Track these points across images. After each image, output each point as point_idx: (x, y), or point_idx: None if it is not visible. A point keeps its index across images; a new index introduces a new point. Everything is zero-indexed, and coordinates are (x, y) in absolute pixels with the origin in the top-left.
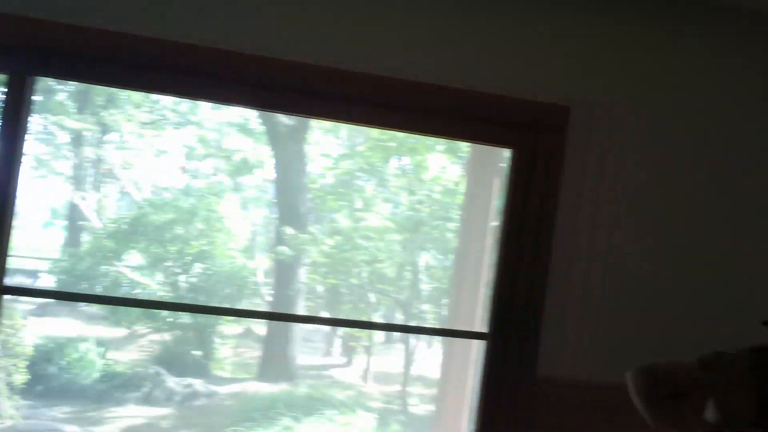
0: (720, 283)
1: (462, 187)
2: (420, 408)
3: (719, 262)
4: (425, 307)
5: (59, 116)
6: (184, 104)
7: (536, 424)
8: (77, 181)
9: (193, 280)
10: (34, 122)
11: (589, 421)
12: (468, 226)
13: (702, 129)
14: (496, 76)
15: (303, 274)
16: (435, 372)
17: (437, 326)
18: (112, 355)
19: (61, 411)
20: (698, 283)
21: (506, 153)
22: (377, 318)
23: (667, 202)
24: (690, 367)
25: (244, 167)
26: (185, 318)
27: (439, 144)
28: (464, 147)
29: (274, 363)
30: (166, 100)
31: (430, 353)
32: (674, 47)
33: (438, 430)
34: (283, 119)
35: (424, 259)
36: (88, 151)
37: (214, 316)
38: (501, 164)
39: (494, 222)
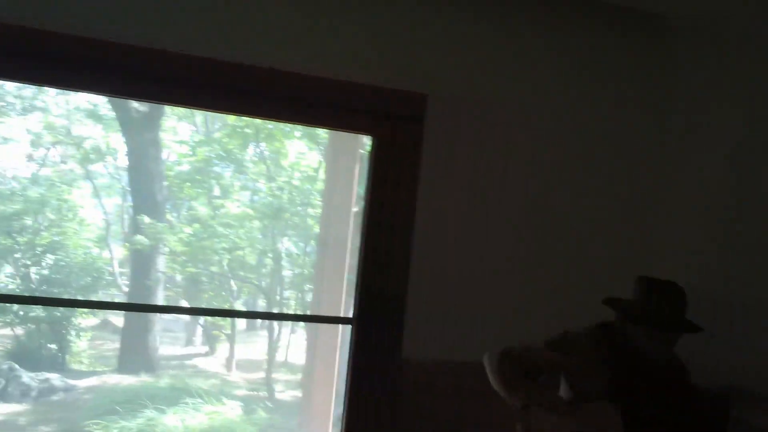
0: (567, 269)
1: (322, 173)
2: (286, 394)
3: (569, 252)
4: (288, 293)
5: None
6: (28, 89)
7: (403, 405)
8: None
9: (45, 272)
10: None
11: (453, 400)
12: (329, 212)
13: (554, 119)
14: (356, 65)
15: (161, 263)
16: (300, 358)
17: (301, 312)
18: None
19: None
20: (550, 269)
21: (366, 139)
22: (239, 306)
23: (523, 192)
24: (542, 347)
25: (95, 155)
26: (38, 311)
27: (297, 130)
28: (323, 133)
29: (134, 354)
30: (9, 86)
31: (294, 339)
32: (528, 44)
33: (306, 416)
34: (136, 105)
35: (286, 245)
36: None
37: (69, 308)
38: (361, 150)
39: (356, 208)
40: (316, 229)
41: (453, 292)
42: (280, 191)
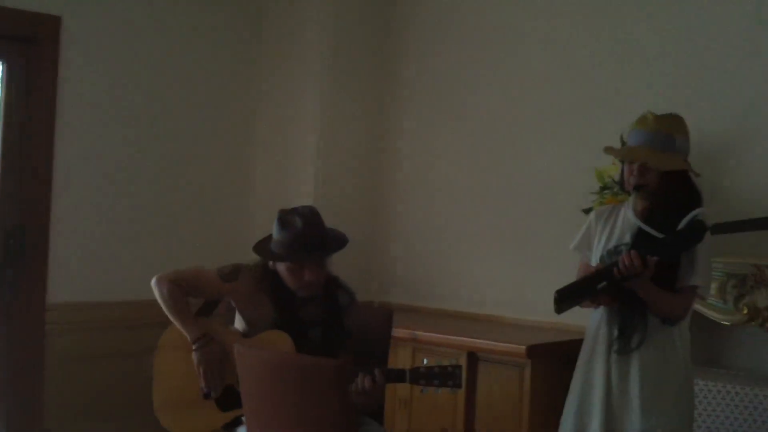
0: (189, 208)
1: None
2: None
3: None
4: None
5: None
6: None
7: (50, 348)
8: None
9: None
10: None
11: (104, 338)
12: None
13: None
14: None
15: None
16: None
17: None
18: None
19: None
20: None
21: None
22: None
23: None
24: (212, 278)
25: None
26: None
27: None
28: None
29: None
30: None
31: None
32: None
33: None
34: None
35: None
36: None
37: None
38: None
39: None
40: None
41: (100, 229)
42: None
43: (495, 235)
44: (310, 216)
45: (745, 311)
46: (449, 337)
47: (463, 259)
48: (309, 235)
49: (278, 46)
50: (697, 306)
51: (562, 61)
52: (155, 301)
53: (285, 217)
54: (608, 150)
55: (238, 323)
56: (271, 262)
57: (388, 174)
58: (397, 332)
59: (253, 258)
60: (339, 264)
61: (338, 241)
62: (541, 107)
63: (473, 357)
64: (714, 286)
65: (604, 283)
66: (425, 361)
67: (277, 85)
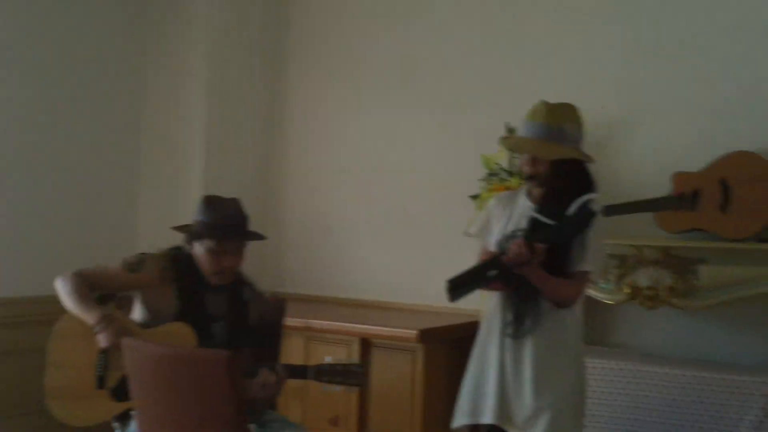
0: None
1: None
2: None
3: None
4: None
5: None
6: None
7: None
8: None
9: None
10: None
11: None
12: None
13: None
14: None
15: None
16: None
17: None
18: None
19: None
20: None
21: None
22: None
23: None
24: (117, 270)
25: None
26: None
27: None
28: None
29: None
30: None
31: None
32: None
33: None
34: None
35: None
36: None
37: None
38: None
39: None
40: None
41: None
42: None
43: (386, 222)
44: (238, 204)
45: (627, 290)
46: (342, 324)
47: (355, 246)
48: (238, 219)
49: (164, 35)
50: None
51: (450, 47)
52: (37, 298)
53: (214, 200)
54: (500, 141)
55: (138, 315)
56: (188, 245)
57: (278, 163)
58: (291, 322)
59: (152, 247)
60: None
61: (258, 233)
62: (428, 94)
63: (366, 343)
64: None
65: (495, 271)
66: (328, 359)
67: (162, 79)
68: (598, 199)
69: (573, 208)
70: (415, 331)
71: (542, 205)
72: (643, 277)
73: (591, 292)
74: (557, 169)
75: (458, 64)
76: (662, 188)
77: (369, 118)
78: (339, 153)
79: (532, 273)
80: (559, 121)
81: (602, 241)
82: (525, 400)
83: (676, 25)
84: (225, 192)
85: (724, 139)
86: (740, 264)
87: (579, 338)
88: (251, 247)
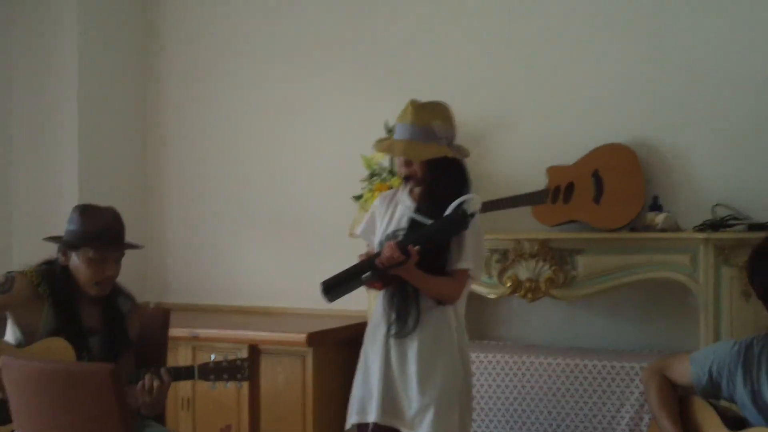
0: None
1: None
2: None
3: None
4: None
5: None
6: None
7: None
8: None
9: None
10: None
11: None
12: None
13: None
14: None
15: None
16: None
17: None
18: None
19: None
20: None
21: None
22: None
23: None
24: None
25: None
26: None
27: None
28: None
29: None
30: None
31: None
32: None
33: None
34: None
35: None
36: None
37: None
38: None
39: None
40: None
41: None
42: None
43: (267, 226)
44: (116, 213)
45: (509, 284)
46: (229, 332)
47: (238, 253)
48: (117, 229)
49: (30, 38)
50: None
51: (329, 46)
52: None
53: (90, 209)
54: (374, 145)
55: (11, 336)
56: (63, 257)
57: (156, 168)
58: (176, 332)
59: (19, 264)
60: None
61: (135, 243)
62: (308, 93)
63: (255, 350)
64: None
65: (369, 273)
66: (213, 357)
67: (31, 86)
68: (474, 198)
69: (449, 209)
70: (303, 335)
71: (420, 205)
72: (523, 271)
73: (475, 287)
74: (432, 168)
75: (336, 63)
76: (539, 183)
77: (247, 119)
78: (219, 157)
79: (408, 274)
80: (427, 120)
81: (483, 237)
82: (412, 397)
83: (547, 22)
84: (103, 201)
85: (596, 132)
86: (615, 253)
87: (463, 334)
88: (133, 257)
